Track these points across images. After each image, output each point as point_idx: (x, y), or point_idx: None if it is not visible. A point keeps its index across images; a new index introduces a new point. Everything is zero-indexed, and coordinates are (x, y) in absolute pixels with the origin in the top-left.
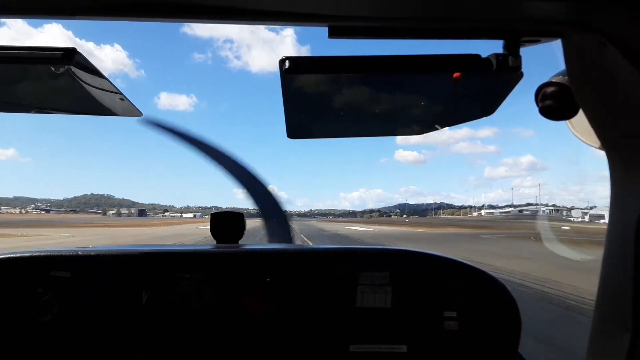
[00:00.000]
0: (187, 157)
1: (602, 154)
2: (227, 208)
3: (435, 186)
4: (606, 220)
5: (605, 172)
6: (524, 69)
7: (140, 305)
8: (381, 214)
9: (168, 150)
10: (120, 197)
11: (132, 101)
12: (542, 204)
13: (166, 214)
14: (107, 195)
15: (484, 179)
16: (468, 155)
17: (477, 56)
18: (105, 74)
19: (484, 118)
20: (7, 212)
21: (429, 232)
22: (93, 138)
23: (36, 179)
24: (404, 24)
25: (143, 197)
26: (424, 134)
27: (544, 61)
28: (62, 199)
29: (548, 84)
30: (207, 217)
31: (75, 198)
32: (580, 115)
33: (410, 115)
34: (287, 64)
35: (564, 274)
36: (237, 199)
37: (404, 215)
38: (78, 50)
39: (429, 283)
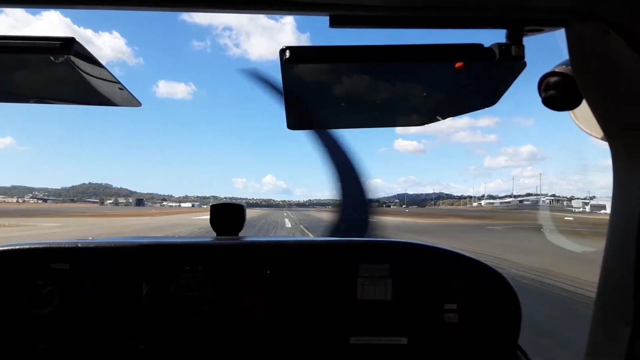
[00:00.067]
0: (186, 146)
1: (604, 144)
2: (225, 198)
3: (435, 176)
4: (607, 211)
5: (604, 162)
6: (527, 59)
7: (140, 297)
8: (380, 204)
9: (166, 140)
10: (118, 187)
11: (130, 90)
12: (542, 194)
13: (164, 203)
14: (105, 184)
15: (484, 169)
16: (468, 144)
17: (480, 46)
18: (103, 62)
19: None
20: (3, 201)
21: (432, 222)
22: (91, 127)
23: (34, 167)
24: (405, 13)
25: (141, 187)
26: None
27: (547, 51)
28: (60, 188)
29: (551, 73)
30: (205, 206)
31: (73, 187)
32: (583, 106)
33: (412, 105)
34: (287, 53)
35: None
36: (236, 188)
37: (403, 206)
38: (77, 40)
39: (429, 275)
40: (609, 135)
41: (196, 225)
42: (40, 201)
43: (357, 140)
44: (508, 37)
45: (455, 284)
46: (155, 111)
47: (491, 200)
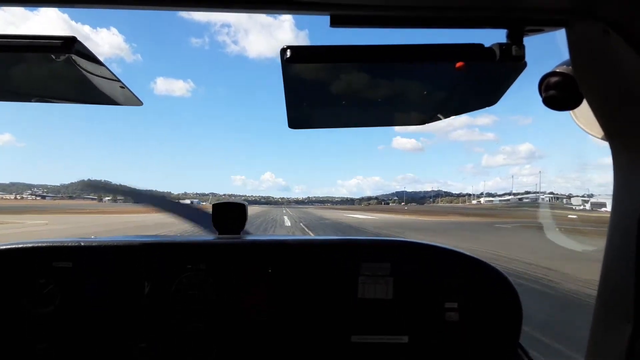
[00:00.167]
0: (185, 144)
1: (605, 144)
2: (224, 195)
3: (433, 174)
4: (608, 209)
5: (602, 161)
6: (527, 59)
7: (142, 296)
8: (379, 202)
9: (165, 137)
10: (118, 183)
11: (129, 87)
12: (541, 192)
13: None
14: (104, 181)
15: (482, 167)
16: (466, 143)
17: (481, 45)
18: (101, 59)
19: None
20: (1, 198)
21: (436, 221)
22: (90, 124)
23: (33, 164)
24: (406, 12)
25: (140, 184)
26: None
27: (547, 51)
28: (59, 185)
29: (552, 73)
30: (204, 203)
31: (72, 184)
32: (584, 106)
33: (413, 105)
34: (288, 53)
35: None
36: (235, 185)
37: (402, 203)
38: (77, 38)
39: (430, 274)
40: (610, 134)
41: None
42: (38, 198)
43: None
44: (508, 37)
45: (456, 282)
46: (154, 108)
47: (490, 198)
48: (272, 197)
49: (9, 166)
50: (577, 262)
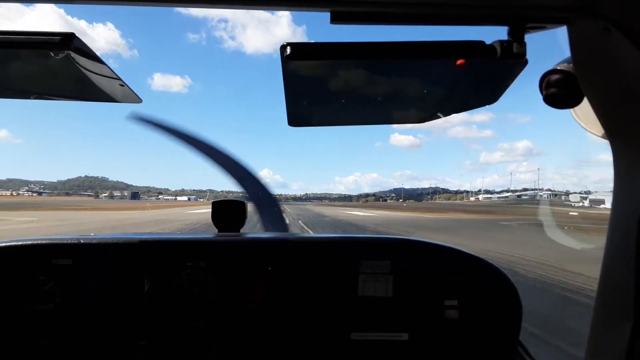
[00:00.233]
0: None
1: (605, 142)
2: (222, 192)
3: (431, 171)
4: (607, 205)
5: (598, 157)
6: (528, 56)
7: (142, 293)
8: (377, 198)
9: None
10: (115, 180)
11: (128, 85)
12: (539, 189)
13: (160, 196)
14: (102, 177)
15: (480, 164)
16: (464, 140)
17: (482, 43)
18: (98, 53)
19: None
20: None
21: (439, 218)
22: (87, 120)
23: (30, 161)
24: (407, 9)
25: (138, 180)
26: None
27: (548, 48)
28: (55, 181)
29: (552, 71)
30: (201, 200)
31: (69, 180)
32: (585, 104)
33: (413, 102)
34: (288, 50)
35: None
36: (229, 180)
37: (400, 200)
38: (76, 35)
39: (430, 272)
40: (610, 133)
41: (184, 220)
42: (35, 194)
43: (353, 135)
44: (510, 34)
45: (456, 280)
46: (151, 104)
47: (489, 195)
48: None
49: (6, 162)
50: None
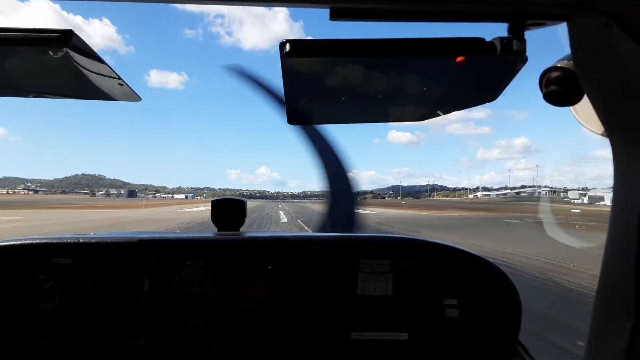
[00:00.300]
0: (180, 137)
1: (604, 140)
2: (219, 189)
3: (428, 168)
4: (606, 202)
5: (594, 153)
6: (528, 53)
7: (142, 293)
8: (374, 196)
9: (160, 130)
10: (112, 178)
11: (126, 81)
12: (538, 186)
13: (157, 194)
14: (99, 175)
15: (477, 161)
16: (461, 136)
17: (481, 40)
18: (95, 50)
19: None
20: None
21: (441, 215)
22: (84, 117)
23: (26, 158)
24: (407, 5)
25: (135, 178)
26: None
27: (548, 45)
28: (52, 179)
29: (552, 68)
30: (199, 197)
31: (66, 178)
32: (584, 101)
33: (413, 100)
34: (287, 47)
35: None
36: (230, 180)
37: (399, 197)
38: (75, 32)
39: (429, 271)
40: (610, 130)
41: (176, 220)
42: (31, 192)
43: (350, 132)
44: (509, 31)
45: (456, 279)
46: (148, 101)
47: (487, 192)
48: (268, 192)
49: (3, 161)
50: None
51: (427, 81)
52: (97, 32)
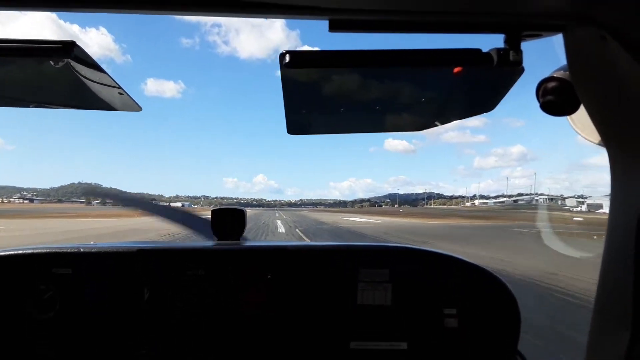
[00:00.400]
0: (177, 146)
1: (597, 147)
2: (216, 198)
3: (425, 176)
4: (605, 210)
5: (587, 161)
6: (524, 64)
7: (142, 302)
8: (372, 204)
9: (157, 139)
10: (108, 186)
11: (126, 91)
12: (535, 194)
13: (153, 203)
14: (95, 184)
15: (474, 169)
16: (457, 144)
17: (478, 51)
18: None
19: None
20: None
21: (441, 224)
22: (81, 126)
23: (23, 167)
24: (405, 17)
25: (132, 187)
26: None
27: (545, 56)
28: (48, 188)
29: (549, 79)
30: (195, 206)
31: (62, 187)
32: (581, 111)
33: (412, 110)
34: (287, 58)
35: None
36: (227, 188)
37: (396, 205)
38: (77, 43)
39: (429, 280)
40: (607, 139)
41: (160, 231)
42: (26, 201)
43: (347, 140)
44: (506, 42)
45: (455, 288)
46: (145, 110)
47: (484, 200)
48: (265, 200)
49: None
50: None
51: (425, 92)
52: (94, 41)
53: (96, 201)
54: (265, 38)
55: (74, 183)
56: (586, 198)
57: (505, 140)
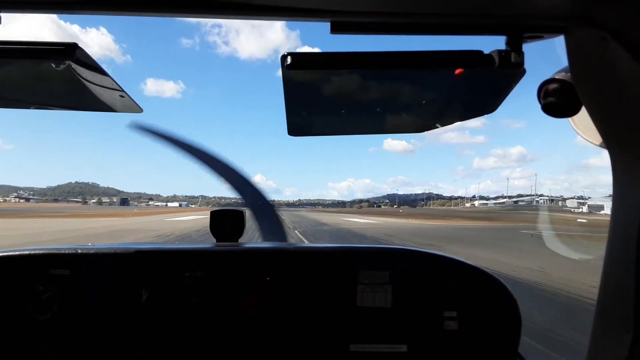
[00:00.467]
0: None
1: (599, 149)
2: (214, 198)
3: (424, 176)
4: (606, 211)
5: (586, 162)
6: (526, 66)
7: (140, 303)
8: (370, 204)
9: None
10: (105, 186)
11: (127, 92)
12: (536, 194)
13: (150, 202)
14: (92, 183)
15: (473, 170)
16: (456, 145)
17: (480, 52)
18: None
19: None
20: None
21: (445, 225)
22: (79, 126)
23: (20, 166)
24: (406, 19)
25: (129, 186)
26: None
27: (546, 58)
28: (45, 187)
29: (550, 80)
30: (193, 206)
31: (59, 186)
32: (583, 113)
33: (413, 112)
34: (289, 59)
35: None
36: (225, 188)
37: (395, 206)
38: (79, 45)
39: (429, 282)
40: (608, 141)
41: (157, 231)
42: (23, 200)
43: (346, 140)
44: (507, 43)
45: (455, 291)
46: (145, 110)
47: (484, 201)
48: None
49: None
50: None
51: (426, 93)
52: (94, 42)
53: (92, 201)
54: (265, 38)
55: (71, 182)
56: (587, 199)
57: (504, 141)
